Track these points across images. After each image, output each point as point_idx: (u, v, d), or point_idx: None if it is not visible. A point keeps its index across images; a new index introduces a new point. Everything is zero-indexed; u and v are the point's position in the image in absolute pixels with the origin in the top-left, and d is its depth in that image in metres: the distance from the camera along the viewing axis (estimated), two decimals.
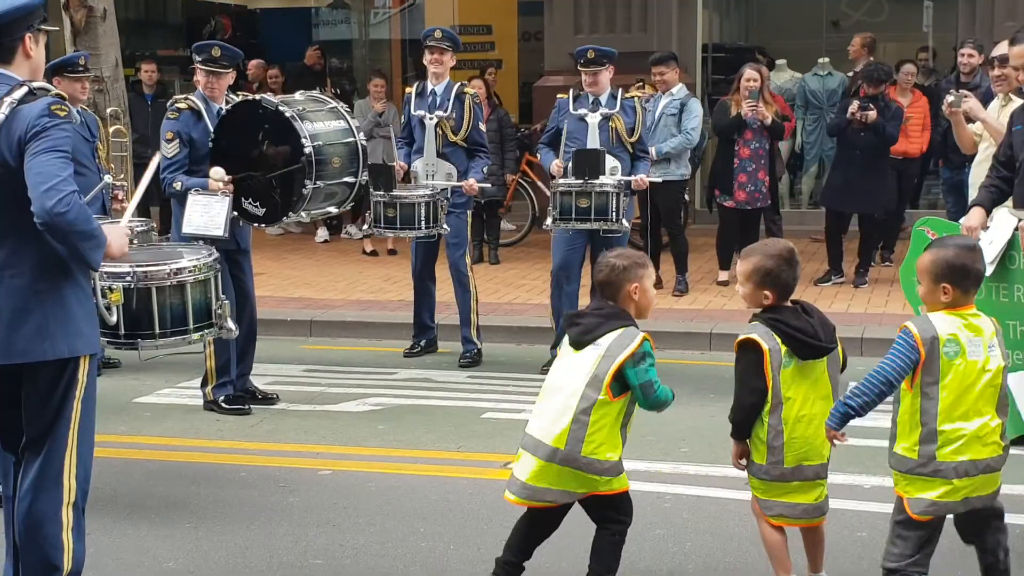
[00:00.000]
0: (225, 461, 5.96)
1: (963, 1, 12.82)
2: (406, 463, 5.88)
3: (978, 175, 6.70)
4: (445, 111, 7.79)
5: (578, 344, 4.10)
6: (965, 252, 3.94)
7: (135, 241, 5.64)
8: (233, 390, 6.81)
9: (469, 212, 8.09)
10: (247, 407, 6.75)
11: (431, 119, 7.80)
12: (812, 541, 4.23)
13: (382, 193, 7.67)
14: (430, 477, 5.67)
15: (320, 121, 6.23)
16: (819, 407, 4.02)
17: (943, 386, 3.82)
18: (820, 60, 12.54)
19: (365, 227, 8.13)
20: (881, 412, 4.02)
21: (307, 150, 6.00)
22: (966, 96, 6.71)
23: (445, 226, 7.71)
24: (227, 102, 6.64)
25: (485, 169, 8.00)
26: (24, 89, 3.77)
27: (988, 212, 5.93)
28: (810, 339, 3.97)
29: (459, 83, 8.06)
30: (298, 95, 6.54)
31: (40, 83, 3.86)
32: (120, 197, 7.51)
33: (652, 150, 9.11)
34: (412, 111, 7.91)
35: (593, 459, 4.02)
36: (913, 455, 3.87)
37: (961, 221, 6.00)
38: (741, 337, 4.01)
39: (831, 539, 4.70)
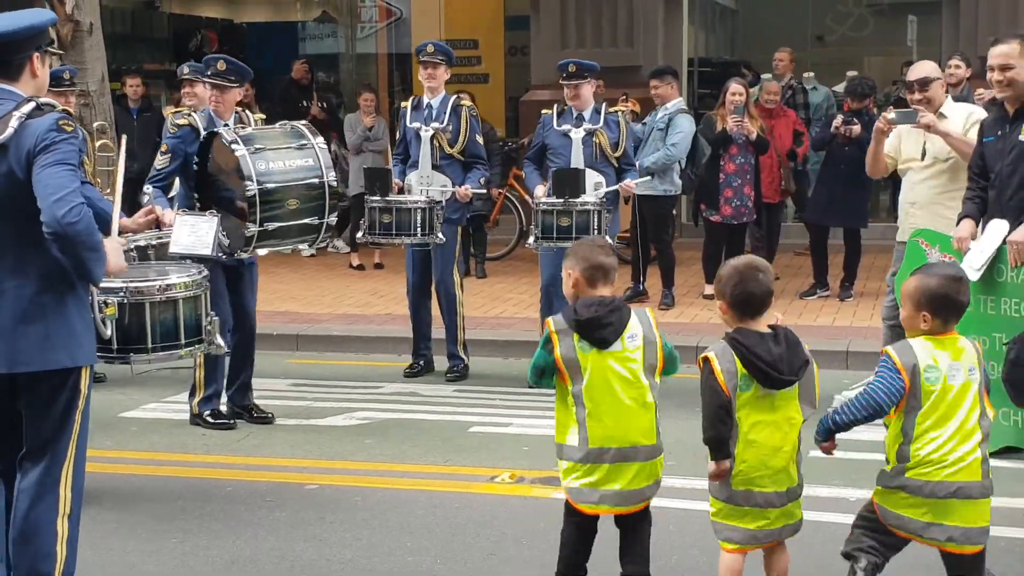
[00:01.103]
0: (211, 476, 5.95)
1: (947, 15, 12.93)
2: (393, 477, 5.88)
3: (917, 195, 6.65)
4: (441, 123, 7.75)
5: (612, 342, 4.06)
6: (950, 282, 3.94)
7: (134, 256, 5.66)
8: (229, 404, 6.79)
9: (460, 228, 8.05)
10: (232, 422, 6.74)
11: (427, 131, 7.75)
12: (771, 565, 4.12)
13: (378, 198, 7.60)
14: (417, 491, 5.67)
15: (280, 160, 5.93)
16: (775, 436, 3.90)
17: (923, 412, 3.85)
18: (805, 75, 12.61)
19: (360, 235, 7.97)
20: (868, 425, 4.06)
21: (249, 192, 5.76)
22: (920, 112, 6.46)
23: (440, 235, 7.64)
24: (241, 120, 6.63)
25: (482, 180, 7.95)
26: (32, 104, 3.87)
27: (976, 222, 5.98)
28: (768, 368, 3.85)
29: (456, 95, 8.03)
30: (277, 126, 6.37)
31: (47, 99, 3.94)
32: None
33: (633, 186, 9.16)
34: (408, 124, 7.85)
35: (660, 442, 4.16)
36: (888, 467, 3.95)
37: (952, 234, 6.05)
38: (703, 355, 3.96)
39: (816, 551, 4.73)
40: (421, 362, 8.06)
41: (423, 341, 8.07)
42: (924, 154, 6.65)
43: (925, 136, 6.60)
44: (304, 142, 6.08)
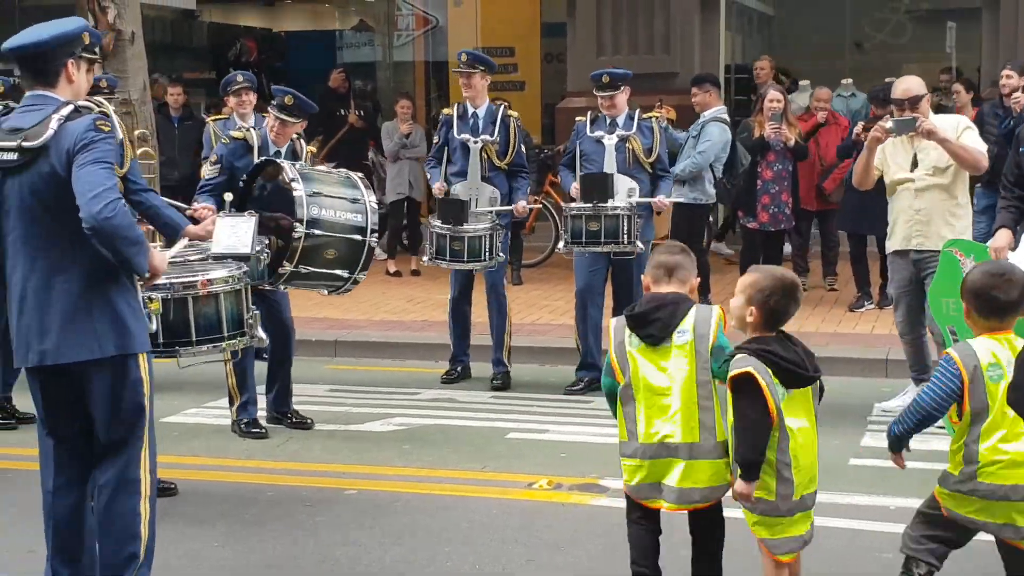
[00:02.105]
0: (251, 480, 6.01)
1: (987, 21, 12.82)
2: (431, 483, 5.90)
3: (923, 204, 6.58)
4: (491, 135, 7.73)
5: (661, 339, 4.03)
6: (988, 278, 3.96)
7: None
8: (256, 411, 6.82)
9: (507, 233, 8.05)
10: (264, 430, 6.76)
11: (476, 143, 7.72)
12: (793, 569, 4.05)
13: (450, 227, 7.55)
14: (455, 497, 5.69)
15: (332, 210, 6.01)
16: (812, 436, 3.92)
17: (990, 411, 3.85)
18: (843, 81, 12.56)
19: (426, 259, 7.89)
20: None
21: (296, 235, 5.85)
22: (920, 119, 6.38)
23: (502, 253, 7.66)
24: (294, 149, 6.71)
25: (528, 189, 7.97)
26: (70, 107, 4.01)
27: (1013, 232, 5.94)
28: (799, 369, 3.86)
29: (502, 104, 8.00)
30: (334, 172, 6.46)
31: (85, 103, 4.09)
32: None
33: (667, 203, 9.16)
34: (455, 134, 7.81)
35: (722, 442, 4.07)
36: (955, 472, 3.93)
37: (988, 244, 6.00)
38: (736, 372, 3.82)
39: (857, 561, 4.71)
40: (459, 368, 8.07)
41: (463, 348, 8.07)
42: (914, 165, 6.61)
43: (915, 148, 6.58)
44: (357, 196, 6.14)
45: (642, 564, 4.15)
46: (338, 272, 6.09)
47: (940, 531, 4.04)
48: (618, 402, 4.14)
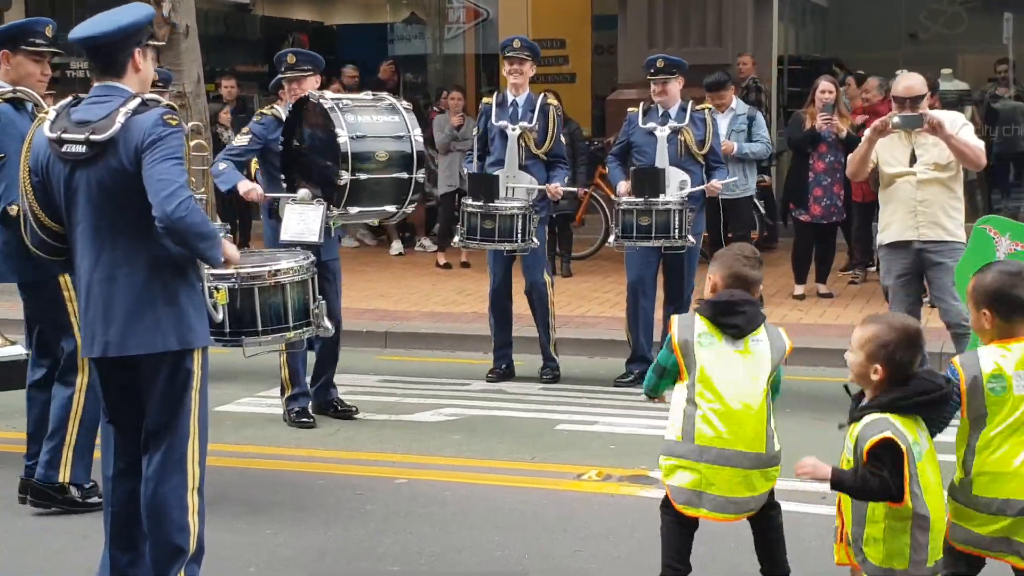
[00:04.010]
0: (303, 469, 6.07)
1: None
2: (480, 473, 5.93)
3: (926, 196, 6.56)
4: (529, 123, 7.69)
5: (743, 333, 4.02)
6: (1005, 278, 3.81)
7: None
8: (308, 402, 6.89)
9: (546, 229, 7.98)
10: (312, 420, 6.82)
11: (514, 130, 7.66)
12: None
13: (480, 204, 7.51)
14: (504, 487, 5.72)
15: (367, 115, 6.07)
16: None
17: (989, 421, 3.73)
18: (897, 72, 12.38)
19: (456, 240, 7.90)
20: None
21: (341, 140, 5.85)
22: (927, 116, 6.37)
23: (535, 239, 7.56)
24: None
25: (567, 179, 7.91)
26: (137, 100, 4.02)
27: None
28: (935, 392, 3.61)
29: (542, 94, 7.93)
30: (362, 94, 6.51)
31: (152, 95, 4.10)
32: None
33: (735, 146, 9.08)
34: (493, 122, 7.76)
35: (779, 452, 4.08)
36: (956, 482, 3.83)
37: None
38: (875, 439, 3.52)
39: None
40: (503, 366, 7.94)
41: (505, 340, 7.97)
42: (912, 160, 6.61)
43: (913, 144, 6.58)
44: (389, 103, 6.24)
45: (678, 567, 4.15)
46: (396, 175, 6.08)
47: (953, 558, 3.87)
48: (680, 397, 4.07)
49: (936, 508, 3.59)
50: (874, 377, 3.62)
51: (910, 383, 3.61)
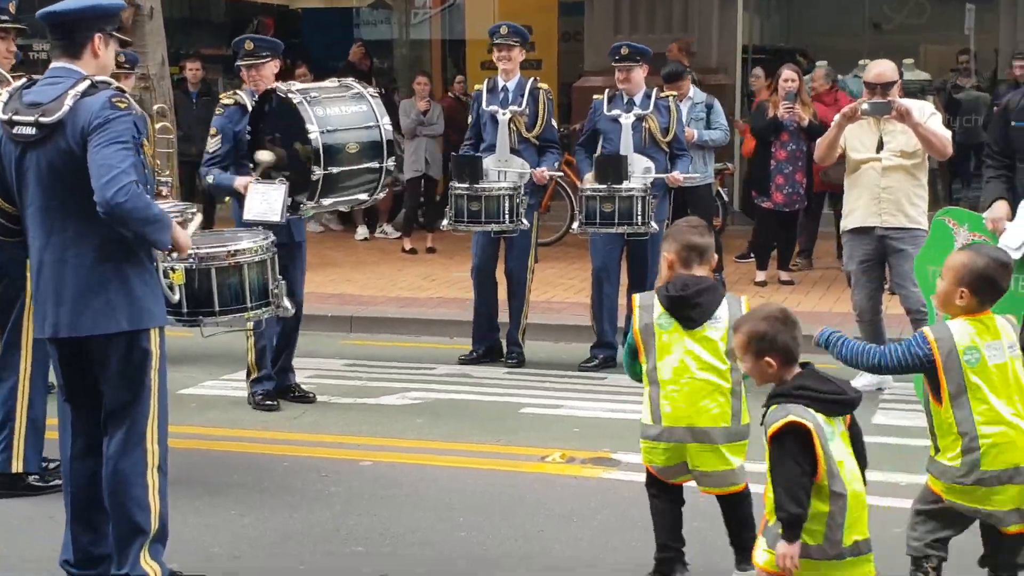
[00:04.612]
0: (267, 451, 6.08)
1: (1005, 3, 12.77)
2: (445, 455, 5.96)
3: (890, 183, 6.68)
4: (520, 106, 7.68)
5: (700, 322, 4.08)
6: (997, 266, 3.96)
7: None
8: (273, 385, 6.89)
9: (536, 215, 7.94)
10: (276, 403, 6.81)
11: (504, 115, 7.66)
12: None
13: (466, 186, 7.49)
14: (469, 470, 5.75)
15: (335, 106, 6.06)
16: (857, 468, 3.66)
17: (972, 395, 3.84)
18: (861, 62, 12.52)
19: (445, 223, 7.87)
20: (919, 412, 4.09)
21: (311, 136, 5.85)
22: (895, 103, 6.48)
23: (524, 221, 7.55)
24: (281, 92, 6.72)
25: (557, 164, 7.92)
26: (87, 83, 4.01)
27: (1009, 202, 5.94)
28: (840, 396, 3.63)
29: (532, 78, 7.92)
30: (327, 82, 6.49)
31: (103, 78, 4.08)
32: (164, 193, 7.62)
33: (695, 133, 9.10)
34: (484, 107, 7.76)
35: (746, 426, 4.15)
36: (956, 464, 3.91)
37: (984, 215, 6.00)
38: (779, 424, 3.54)
39: (872, 534, 4.74)
40: (482, 349, 7.93)
41: (490, 328, 7.95)
42: (879, 147, 6.72)
43: (881, 131, 6.70)
44: (356, 92, 6.22)
45: (670, 544, 4.22)
46: (367, 165, 6.11)
47: (940, 523, 4.03)
48: (645, 380, 4.16)
49: (851, 484, 3.60)
50: (770, 371, 3.67)
51: (808, 373, 3.66)
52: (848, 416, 3.68)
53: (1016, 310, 5.78)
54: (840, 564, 3.60)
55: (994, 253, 4.10)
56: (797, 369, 3.67)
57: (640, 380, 4.23)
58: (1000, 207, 5.87)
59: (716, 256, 4.29)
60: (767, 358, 3.65)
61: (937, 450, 3.99)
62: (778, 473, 3.53)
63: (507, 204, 7.48)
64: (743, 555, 4.19)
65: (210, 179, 6.63)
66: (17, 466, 5.31)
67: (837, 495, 3.55)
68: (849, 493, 3.58)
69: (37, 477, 5.36)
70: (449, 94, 13.29)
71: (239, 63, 6.81)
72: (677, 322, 4.09)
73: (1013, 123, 5.98)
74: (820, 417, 3.55)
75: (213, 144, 6.66)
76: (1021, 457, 3.86)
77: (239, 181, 6.43)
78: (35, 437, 5.33)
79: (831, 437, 3.56)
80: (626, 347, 4.27)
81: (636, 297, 4.24)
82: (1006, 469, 3.85)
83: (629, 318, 4.21)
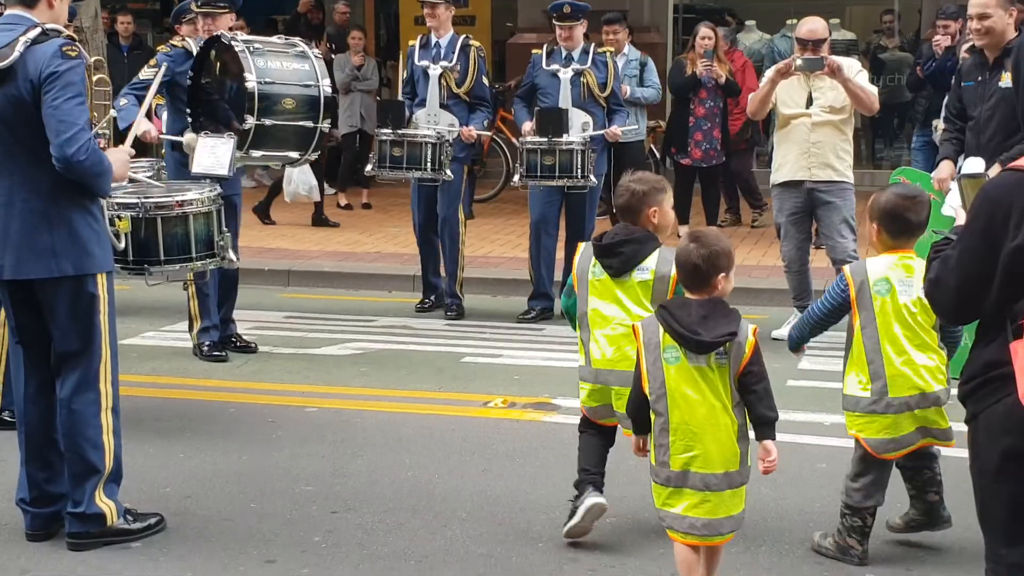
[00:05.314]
0: (213, 399, 6.17)
1: None
2: (389, 402, 6.10)
3: (819, 138, 6.92)
4: (450, 62, 7.80)
5: (621, 271, 4.16)
6: (899, 200, 4.16)
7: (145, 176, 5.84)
8: (218, 335, 6.96)
9: (465, 167, 8.09)
10: (224, 354, 6.91)
11: (435, 70, 7.79)
12: (705, 560, 3.79)
13: (389, 131, 7.65)
14: (414, 415, 5.90)
15: (277, 60, 6.07)
16: (711, 414, 3.60)
17: (880, 324, 4.08)
18: (788, 22, 12.75)
19: (369, 168, 8.00)
20: (840, 356, 4.33)
21: (249, 84, 5.86)
22: (827, 59, 6.74)
23: (449, 172, 7.69)
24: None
25: (485, 122, 8.08)
26: (37, 30, 4.08)
27: (954, 163, 6.25)
28: (685, 331, 3.59)
29: (464, 36, 8.06)
30: (274, 37, 6.52)
31: (53, 25, 4.13)
32: (103, 145, 7.60)
33: (628, 90, 9.30)
34: (416, 62, 7.89)
35: None
36: (866, 392, 4.13)
37: (932, 175, 6.32)
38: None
39: (795, 471, 4.99)
40: (432, 297, 8.17)
41: (434, 277, 8.17)
42: (809, 102, 6.97)
43: (811, 87, 6.95)
44: (300, 50, 6.22)
45: (590, 470, 4.36)
46: (302, 124, 6.08)
47: (875, 470, 4.20)
48: (577, 325, 4.32)
49: (679, 411, 3.61)
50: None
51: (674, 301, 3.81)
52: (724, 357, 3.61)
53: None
54: (663, 490, 3.67)
55: (900, 189, 4.31)
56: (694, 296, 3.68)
57: (574, 323, 4.35)
58: (945, 166, 6.26)
59: (651, 207, 4.22)
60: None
61: (846, 384, 4.20)
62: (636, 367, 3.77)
63: (429, 152, 7.62)
64: None
65: (123, 101, 6.55)
66: None
67: (659, 415, 3.65)
68: (672, 421, 3.61)
69: (10, 414, 5.40)
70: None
71: (197, 11, 6.76)
72: (606, 271, 4.22)
73: (963, 83, 6.30)
74: (664, 341, 3.62)
75: (147, 73, 6.58)
76: (925, 385, 4.08)
77: (139, 127, 6.31)
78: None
79: (672, 361, 3.60)
80: (566, 286, 4.39)
81: (580, 247, 4.35)
82: (912, 395, 4.08)
83: (568, 272, 4.34)
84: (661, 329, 3.63)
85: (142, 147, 9.12)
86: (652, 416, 3.70)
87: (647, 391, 3.68)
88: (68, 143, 3.95)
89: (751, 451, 3.70)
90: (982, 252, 2.70)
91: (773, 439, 3.66)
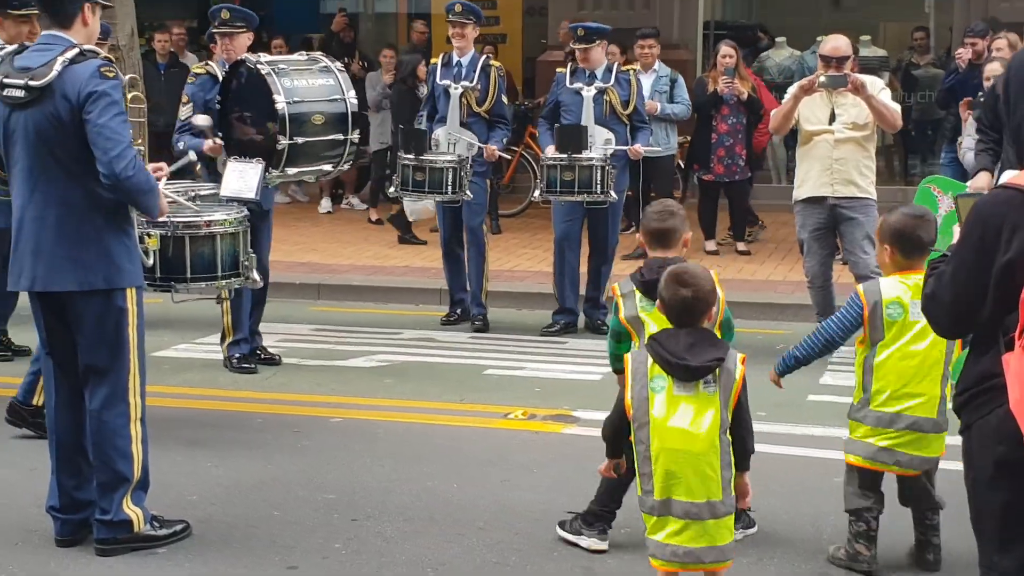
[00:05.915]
0: (241, 409, 6.30)
1: None
2: (412, 413, 6.21)
3: (842, 154, 6.97)
4: (471, 82, 7.96)
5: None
6: (908, 219, 4.22)
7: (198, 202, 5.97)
8: (249, 348, 7.09)
9: (488, 181, 8.25)
10: (253, 366, 7.04)
11: (456, 89, 7.95)
12: None
13: (412, 157, 7.80)
14: (435, 426, 6.00)
15: (302, 79, 6.22)
16: (694, 443, 3.53)
17: (884, 344, 4.16)
18: (819, 39, 12.76)
19: (392, 190, 8.20)
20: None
21: (279, 106, 6.00)
22: (851, 76, 6.82)
23: (468, 192, 7.84)
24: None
25: (505, 140, 8.23)
26: (75, 51, 4.22)
27: (991, 173, 6.26)
28: (673, 358, 3.54)
29: (485, 55, 8.23)
30: (296, 55, 6.68)
31: (91, 47, 4.28)
32: None
33: (658, 106, 9.42)
34: (437, 80, 8.05)
35: None
36: (856, 400, 4.27)
37: (968, 184, 6.32)
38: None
39: (812, 484, 5.05)
40: (459, 311, 8.28)
41: (459, 291, 8.29)
42: (832, 119, 7.03)
43: (833, 103, 7.00)
44: (324, 65, 6.38)
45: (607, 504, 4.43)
46: (333, 137, 6.23)
47: (856, 479, 4.30)
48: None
49: (661, 439, 3.54)
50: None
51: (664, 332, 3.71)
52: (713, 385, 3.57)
53: None
54: (649, 519, 3.63)
55: (908, 209, 4.36)
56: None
57: (621, 366, 4.06)
58: (982, 178, 6.25)
59: (683, 232, 4.27)
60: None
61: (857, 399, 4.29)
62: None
63: (450, 176, 7.77)
64: None
65: (181, 145, 6.79)
66: (39, 399, 5.54)
67: (640, 442, 3.59)
68: (653, 448, 3.55)
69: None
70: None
71: (213, 31, 6.98)
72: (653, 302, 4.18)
73: (997, 92, 6.31)
74: (651, 371, 3.58)
75: (185, 111, 6.85)
76: (907, 409, 4.15)
77: (208, 145, 6.60)
78: None
79: (658, 389, 3.56)
80: (611, 332, 4.34)
81: (616, 287, 4.30)
82: (886, 412, 4.15)
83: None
84: (649, 359, 3.60)
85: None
86: (634, 444, 3.63)
87: (631, 418, 3.61)
88: (117, 159, 4.08)
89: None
90: (976, 267, 2.76)
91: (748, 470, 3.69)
